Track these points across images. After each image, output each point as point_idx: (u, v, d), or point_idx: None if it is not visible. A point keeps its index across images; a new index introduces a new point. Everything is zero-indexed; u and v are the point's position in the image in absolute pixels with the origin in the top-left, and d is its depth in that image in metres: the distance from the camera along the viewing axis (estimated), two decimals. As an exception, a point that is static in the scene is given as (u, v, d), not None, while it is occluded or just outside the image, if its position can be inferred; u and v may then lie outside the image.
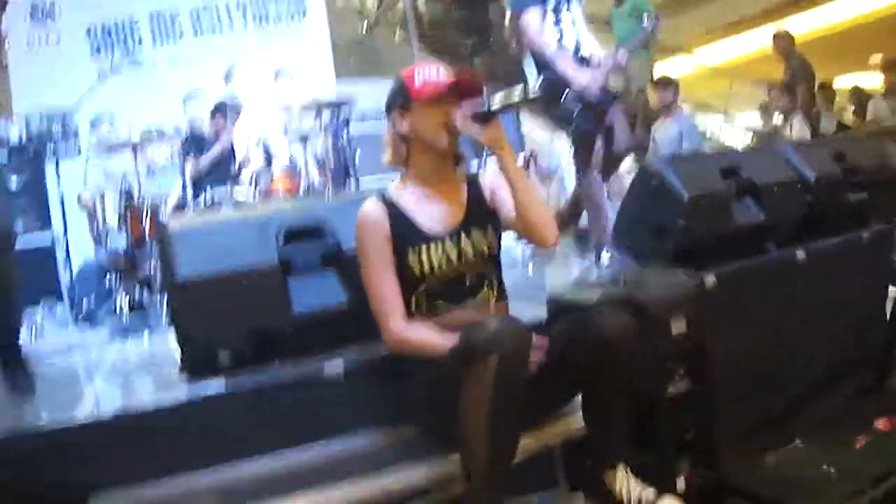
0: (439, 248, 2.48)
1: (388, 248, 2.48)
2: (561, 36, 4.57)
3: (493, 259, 2.58)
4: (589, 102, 4.47)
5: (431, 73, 2.54)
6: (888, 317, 3.67)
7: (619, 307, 2.52)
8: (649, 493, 2.38)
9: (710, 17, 10.60)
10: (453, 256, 2.49)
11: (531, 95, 2.52)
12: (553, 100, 4.61)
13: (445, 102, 2.48)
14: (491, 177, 2.66)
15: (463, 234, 2.52)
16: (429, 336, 2.39)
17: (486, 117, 2.44)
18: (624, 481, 2.40)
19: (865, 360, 3.59)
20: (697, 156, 5.74)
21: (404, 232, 2.50)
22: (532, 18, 4.51)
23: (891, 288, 3.77)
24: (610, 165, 4.71)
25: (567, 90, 4.50)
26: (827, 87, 10.08)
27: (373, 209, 2.52)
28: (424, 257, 2.47)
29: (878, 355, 3.60)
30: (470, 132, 2.45)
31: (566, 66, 4.49)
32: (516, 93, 2.47)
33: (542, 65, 4.62)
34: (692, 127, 7.56)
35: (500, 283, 2.61)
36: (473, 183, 2.65)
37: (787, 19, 11.94)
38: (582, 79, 4.46)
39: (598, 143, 4.72)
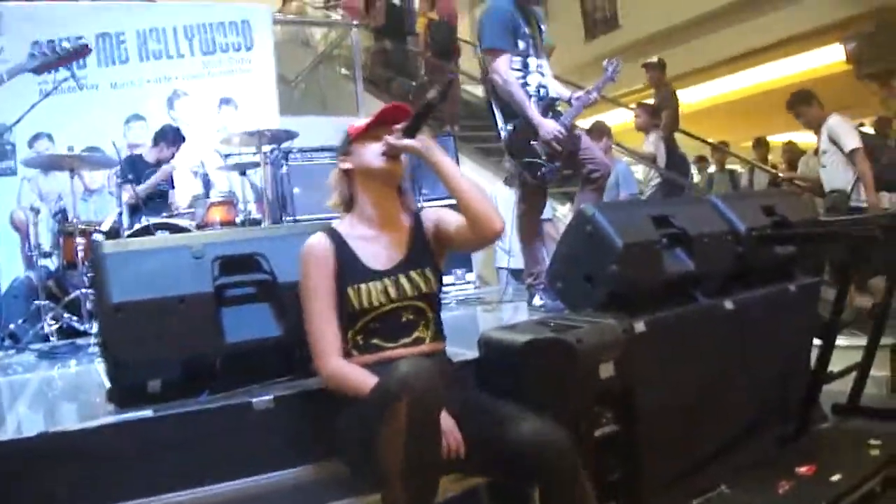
0: (379, 285, 2.50)
1: (332, 284, 2.50)
2: (525, 81, 4.62)
3: (431, 298, 2.59)
4: (555, 149, 4.53)
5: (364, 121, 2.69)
6: (811, 367, 3.75)
7: (548, 350, 2.56)
8: None
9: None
10: (392, 293, 2.51)
11: (437, 97, 2.60)
12: (520, 148, 4.67)
13: (377, 132, 2.60)
14: (433, 212, 2.73)
15: (402, 273, 2.55)
16: (362, 376, 2.38)
17: (410, 128, 2.54)
18: None
19: (789, 408, 3.67)
20: (631, 204, 5.84)
21: (347, 266, 2.52)
22: (501, 60, 4.55)
23: (815, 340, 3.87)
24: (595, 187, 4.71)
25: (532, 140, 4.57)
26: (762, 142, 10.35)
27: (320, 242, 2.55)
28: (363, 292, 2.49)
29: (801, 404, 3.69)
30: (401, 146, 2.55)
31: (532, 115, 4.54)
32: (430, 94, 2.57)
33: (509, 113, 4.66)
34: (629, 173, 7.68)
35: (438, 322, 2.62)
36: (417, 221, 2.69)
37: (726, 77, 12.27)
38: (548, 127, 4.51)
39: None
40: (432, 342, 2.57)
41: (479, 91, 11.49)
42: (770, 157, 10.55)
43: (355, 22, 10.84)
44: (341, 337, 2.49)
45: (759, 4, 10.80)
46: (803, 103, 6.52)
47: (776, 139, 10.84)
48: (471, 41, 11.59)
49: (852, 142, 6.17)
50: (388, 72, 11.41)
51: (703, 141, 9.98)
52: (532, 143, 4.58)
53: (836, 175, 6.34)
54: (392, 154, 2.59)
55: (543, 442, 2.26)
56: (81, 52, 3.32)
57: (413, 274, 2.56)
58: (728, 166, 10.93)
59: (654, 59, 8.78)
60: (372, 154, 2.60)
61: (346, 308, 2.49)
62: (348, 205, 2.67)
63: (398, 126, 2.57)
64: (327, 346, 2.47)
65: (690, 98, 13.39)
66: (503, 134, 4.74)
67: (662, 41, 11.67)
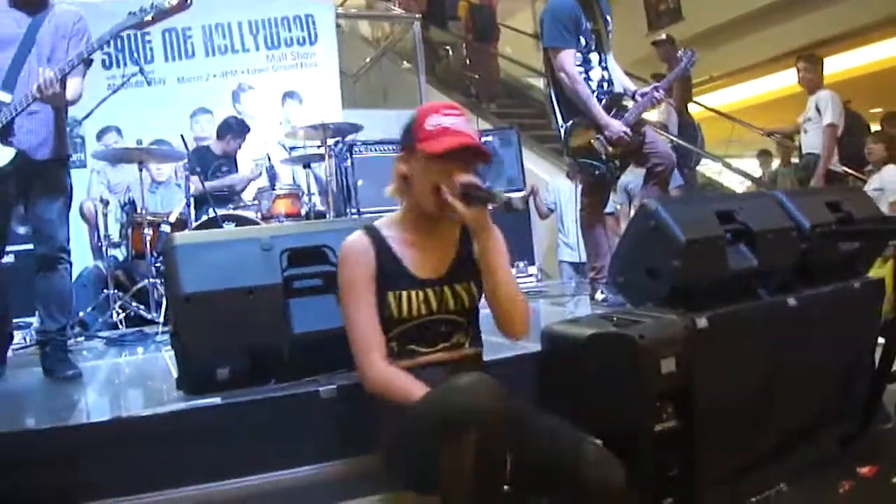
0: (420, 295, 2.42)
1: (372, 285, 2.38)
2: (588, 76, 4.63)
3: (471, 310, 2.52)
4: (617, 149, 4.55)
5: (442, 121, 2.40)
6: (875, 366, 3.70)
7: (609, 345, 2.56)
8: None
9: (713, 66, 10.69)
10: (433, 304, 2.43)
11: (511, 203, 2.55)
12: (579, 145, 4.69)
13: (445, 162, 2.36)
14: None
15: (446, 285, 2.46)
16: (409, 382, 2.28)
17: (470, 200, 2.33)
18: None
19: (851, 407, 3.62)
20: (695, 199, 5.80)
21: (389, 271, 2.41)
22: (566, 56, 4.56)
23: (879, 338, 3.82)
24: (658, 180, 4.73)
25: (593, 138, 4.59)
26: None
27: (359, 242, 2.44)
28: (404, 301, 2.39)
29: (864, 403, 3.62)
30: (454, 205, 2.33)
31: (598, 114, 4.55)
32: (501, 196, 2.38)
33: (572, 109, 4.67)
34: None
35: (476, 330, 2.55)
36: (466, 234, 2.52)
37: (790, 70, 12.06)
38: (615, 127, 4.52)
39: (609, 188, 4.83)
40: (471, 346, 2.50)
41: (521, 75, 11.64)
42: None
43: (417, 15, 10.92)
44: None
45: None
46: (811, 63, 7.30)
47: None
48: (532, 34, 11.74)
49: (831, 117, 6.78)
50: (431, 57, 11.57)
51: (767, 134, 9.82)
52: (592, 141, 4.58)
53: (814, 141, 6.99)
54: (444, 204, 2.37)
55: (609, 478, 2.23)
56: (181, 5, 3.42)
57: (458, 287, 2.47)
58: (793, 160, 10.77)
59: (663, 35, 8.82)
60: (428, 186, 2.38)
61: (384, 313, 2.39)
62: (404, 198, 2.52)
63: (464, 180, 2.34)
64: (371, 349, 2.36)
65: (754, 91, 13.23)
66: (562, 131, 4.75)
67: (727, 33, 11.53)
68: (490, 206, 2.37)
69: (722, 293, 3.20)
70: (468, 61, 12.03)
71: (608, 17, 4.81)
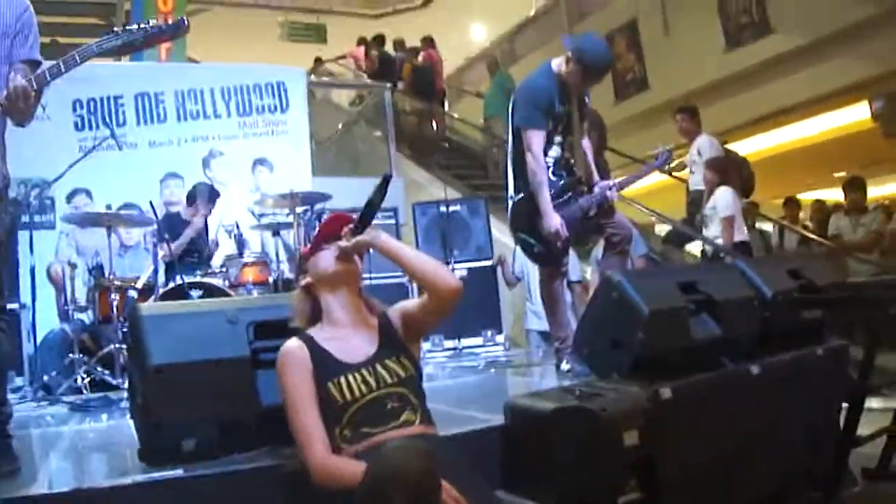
0: (357, 377, 2.52)
1: (311, 383, 2.52)
2: (546, 156, 4.70)
3: (410, 383, 2.59)
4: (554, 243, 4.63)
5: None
6: (840, 431, 3.74)
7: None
8: None
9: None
10: (371, 382, 2.51)
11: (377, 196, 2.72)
12: (521, 221, 4.78)
13: (325, 245, 2.71)
14: (396, 306, 2.77)
15: (377, 363, 2.56)
16: (351, 466, 2.32)
17: (357, 227, 2.67)
18: None
19: (818, 472, 3.65)
20: (657, 270, 5.87)
21: (323, 364, 2.54)
22: (536, 137, 4.63)
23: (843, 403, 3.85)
24: (617, 251, 4.78)
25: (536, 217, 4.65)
26: (793, 201, 10.35)
27: (294, 345, 2.59)
28: (344, 385, 2.50)
29: (831, 468, 3.65)
30: (350, 245, 2.65)
31: (543, 203, 4.61)
32: (371, 195, 2.71)
33: (521, 185, 4.76)
34: (637, 235, 7.73)
35: (424, 407, 2.59)
36: (384, 318, 2.73)
37: (753, 137, 12.29)
38: (550, 221, 4.58)
39: (565, 262, 4.88)
40: (422, 424, 2.53)
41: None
42: (801, 214, 10.55)
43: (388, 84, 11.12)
44: (329, 437, 2.47)
45: (785, 65, 10.82)
46: (688, 113, 8.13)
47: (805, 196, 10.81)
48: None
49: (725, 210, 7.13)
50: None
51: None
52: (536, 218, 4.66)
53: (698, 179, 7.71)
54: (345, 256, 2.68)
55: None
56: (175, 30, 3.04)
57: (388, 362, 2.58)
58: (758, 226, 10.92)
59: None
60: (326, 261, 2.69)
61: (332, 404, 2.49)
62: (313, 320, 2.72)
63: (346, 230, 2.68)
64: (313, 442, 2.44)
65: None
66: (510, 203, 4.83)
67: (697, 99, 11.75)
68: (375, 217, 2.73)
69: (686, 363, 3.23)
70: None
71: (586, 98, 4.91)
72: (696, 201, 7.81)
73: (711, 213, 7.28)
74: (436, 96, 12.98)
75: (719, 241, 7.08)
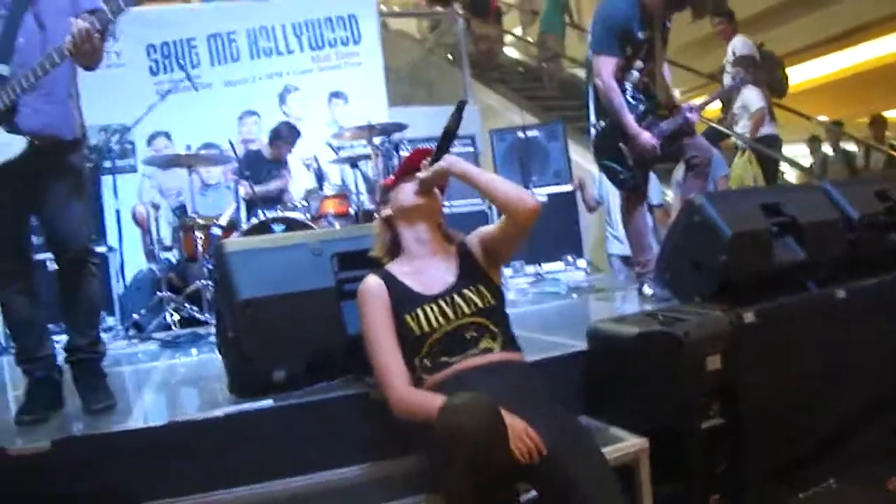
0: (434, 308, 2.57)
1: (390, 316, 2.58)
2: (624, 83, 4.63)
3: (490, 312, 2.61)
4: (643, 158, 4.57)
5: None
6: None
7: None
8: None
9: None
10: (449, 313, 2.56)
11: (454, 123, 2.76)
12: (606, 148, 4.71)
13: (407, 177, 2.76)
14: (473, 234, 2.80)
15: (455, 293, 2.60)
16: (424, 402, 2.38)
17: (436, 156, 2.72)
18: None
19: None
20: (740, 192, 5.76)
21: (401, 298, 2.60)
22: (605, 64, 4.56)
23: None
24: (697, 173, 4.71)
25: (621, 142, 4.60)
26: (879, 120, 10.02)
27: (372, 281, 2.64)
28: (422, 317, 2.55)
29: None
30: (432, 175, 2.70)
31: (628, 123, 4.55)
32: (448, 122, 2.76)
33: (603, 111, 4.69)
34: (719, 158, 7.59)
35: (507, 334, 2.62)
36: (462, 247, 2.77)
37: (837, 53, 11.91)
38: (642, 139, 4.54)
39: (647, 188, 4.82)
40: (504, 351, 2.56)
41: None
42: (888, 133, 10.22)
43: (459, 12, 10.97)
44: (409, 367, 2.54)
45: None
46: (726, 17, 8.11)
47: (892, 115, 10.46)
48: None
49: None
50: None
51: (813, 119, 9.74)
52: (621, 145, 4.59)
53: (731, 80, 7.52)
54: (425, 189, 2.73)
55: None
56: None
57: (466, 292, 2.61)
58: (843, 145, 10.61)
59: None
60: (406, 194, 2.74)
61: (409, 336, 2.55)
62: (393, 251, 2.77)
63: (424, 162, 2.74)
64: (392, 376, 2.50)
65: (801, 76, 13.04)
66: (592, 131, 4.78)
67: (771, 19, 11.38)
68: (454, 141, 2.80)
69: (769, 287, 3.20)
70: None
71: (667, 23, 4.78)
72: (728, 100, 7.98)
73: (741, 112, 7.57)
74: (490, 15, 12.85)
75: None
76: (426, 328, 2.54)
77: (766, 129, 7.50)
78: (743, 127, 7.53)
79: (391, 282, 2.64)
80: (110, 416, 3.01)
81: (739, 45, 7.85)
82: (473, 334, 2.54)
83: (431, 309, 2.56)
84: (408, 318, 2.55)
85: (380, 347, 2.55)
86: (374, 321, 2.58)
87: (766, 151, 7.47)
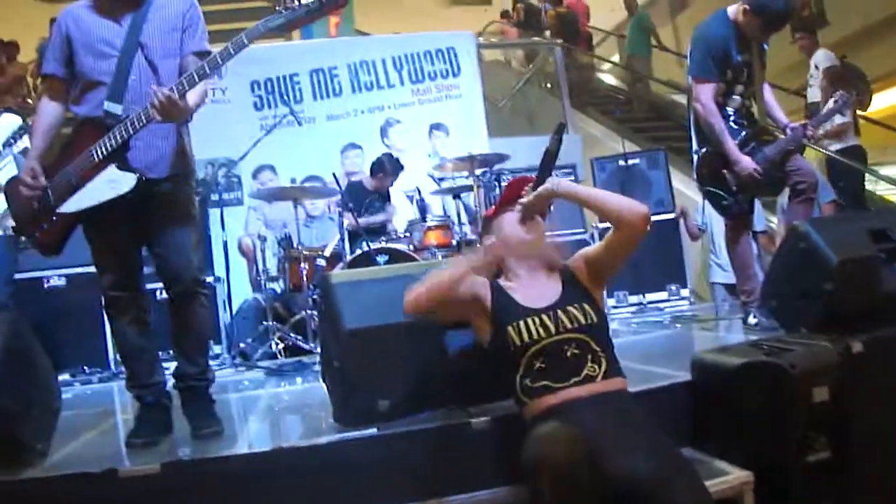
0: (537, 320, 2.57)
1: (473, 292, 2.68)
2: (725, 108, 4.60)
3: (593, 330, 2.60)
4: (746, 183, 4.51)
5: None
6: None
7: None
8: None
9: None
10: (550, 326, 2.56)
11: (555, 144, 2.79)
12: (709, 175, 4.67)
13: (509, 207, 2.79)
14: (575, 255, 2.81)
15: (559, 308, 2.61)
16: (429, 279, 2.61)
17: (538, 180, 2.73)
18: None
19: None
20: (846, 218, 5.62)
21: (505, 307, 2.64)
22: (704, 89, 4.54)
23: None
24: (802, 199, 4.57)
25: (724, 168, 4.57)
26: None
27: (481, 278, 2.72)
28: (522, 328, 2.56)
29: None
30: (532, 199, 2.72)
31: (730, 149, 4.50)
32: (548, 145, 2.79)
33: (704, 138, 4.65)
34: (824, 182, 7.42)
35: (610, 359, 2.59)
36: (567, 270, 2.77)
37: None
38: (742, 165, 4.48)
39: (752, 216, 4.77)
40: (606, 379, 2.53)
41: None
42: None
43: (558, 41, 11.03)
44: (510, 388, 2.59)
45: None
46: (807, 32, 8.57)
47: None
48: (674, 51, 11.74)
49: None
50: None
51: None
52: (724, 171, 4.54)
53: (816, 92, 8.02)
54: (529, 214, 2.74)
55: None
56: (335, 3, 2.99)
57: (570, 308, 2.60)
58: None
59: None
60: (510, 224, 2.77)
61: (508, 348, 2.57)
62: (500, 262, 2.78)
63: (527, 188, 2.75)
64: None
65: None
66: (695, 158, 4.74)
67: (874, 36, 11.09)
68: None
69: (878, 315, 3.11)
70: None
71: (765, 45, 4.72)
72: (813, 113, 7.65)
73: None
74: (582, 42, 13.06)
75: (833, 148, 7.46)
76: (526, 338, 2.55)
77: (851, 141, 7.51)
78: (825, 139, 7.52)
79: (497, 290, 2.69)
80: (217, 441, 3.10)
81: (822, 58, 8.01)
82: (575, 351, 2.54)
83: (533, 321, 2.57)
84: (510, 328, 2.58)
85: (441, 272, 2.65)
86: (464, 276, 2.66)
87: (849, 163, 7.40)
